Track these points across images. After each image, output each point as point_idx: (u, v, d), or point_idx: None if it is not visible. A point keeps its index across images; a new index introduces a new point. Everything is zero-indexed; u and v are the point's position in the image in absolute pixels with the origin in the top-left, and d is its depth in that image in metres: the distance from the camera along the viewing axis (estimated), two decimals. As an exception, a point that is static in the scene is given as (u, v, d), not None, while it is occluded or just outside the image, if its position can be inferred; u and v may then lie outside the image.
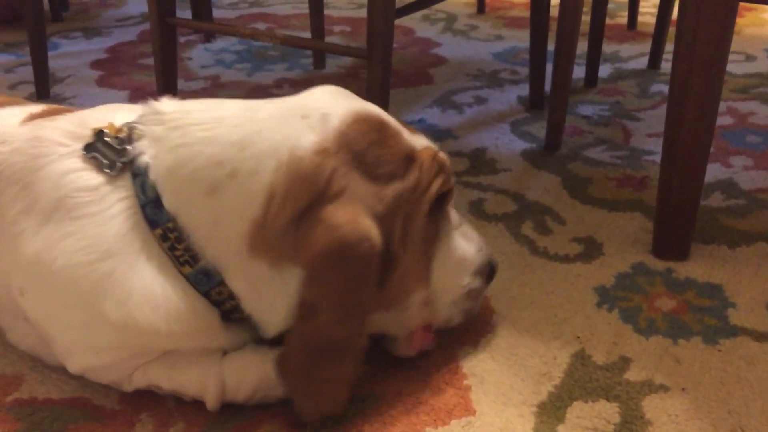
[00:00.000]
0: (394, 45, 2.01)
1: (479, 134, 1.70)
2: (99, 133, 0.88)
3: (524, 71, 2.05)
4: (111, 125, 0.90)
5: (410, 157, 0.87)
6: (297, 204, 0.81)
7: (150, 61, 2.15)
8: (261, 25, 2.52)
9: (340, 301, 0.81)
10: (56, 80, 2.04)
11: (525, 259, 1.23)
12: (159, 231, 0.84)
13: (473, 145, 1.64)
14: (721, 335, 1.04)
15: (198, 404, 0.92)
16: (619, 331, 1.05)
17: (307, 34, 2.17)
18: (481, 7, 2.68)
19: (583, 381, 0.96)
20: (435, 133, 1.70)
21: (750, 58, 2.17)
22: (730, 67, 2.03)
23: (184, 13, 2.44)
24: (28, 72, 2.00)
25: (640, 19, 2.47)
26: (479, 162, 1.56)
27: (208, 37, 2.37)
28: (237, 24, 2.49)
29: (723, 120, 1.73)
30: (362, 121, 0.86)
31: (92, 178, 0.86)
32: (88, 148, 0.87)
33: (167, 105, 0.90)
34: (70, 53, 2.26)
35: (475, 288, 0.97)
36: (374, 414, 0.91)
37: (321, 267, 0.80)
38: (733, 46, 1.13)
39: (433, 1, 1.55)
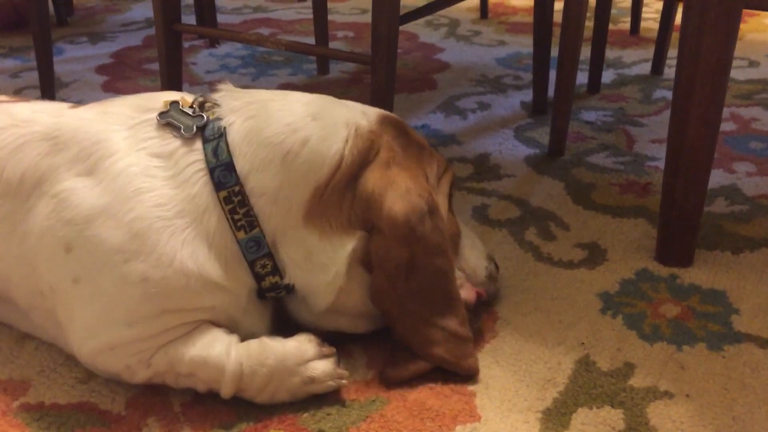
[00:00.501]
0: (398, 50, 2.02)
1: (483, 140, 1.70)
2: (173, 103, 0.96)
3: (527, 77, 2.06)
4: (183, 98, 0.98)
5: (425, 147, 1.01)
6: (353, 171, 0.93)
7: (155, 65, 2.16)
8: (265, 31, 2.53)
9: (435, 251, 0.93)
10: (61, 85, 2.05)
11: (529, 264, 1.23)
12: (224, 193, 0.90)
13: (477, 151, 1.64)
14: (726, 341, 1.04)
15: (204, 409, 0.92)
16: (624, 337, 1.05)
17: (311, 40, 2.18)
18: (484, 13, 2.69)
19: (587, 387, 0.96)
20: (439, 139, 1.70)
21: (753, 63, 2.17)
22: (733, 73, 2.03)
23: (189, 18, 2.45)
24: (33, 77, 2.01)
25: (642, 24, 2.48)
26: (483, 168, 1.57)
27: (213, 42, 2.38)
28: (241, 30, 2.50)
29: (726, 126, 1.73)
30: (389, 117, 1.01)
31: (167, 143, 0.92)
32: (163, 114, 0.94)
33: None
34: (75, 58, 2.27)
35: (492, 270, 1.08)
36: (379, 419, 0.91)
37: (408, 227, 0.91)
38: (736, 52, 1.13)
39: (437, 8, 1.56)
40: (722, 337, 1.05)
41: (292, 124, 0.93)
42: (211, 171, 0.91)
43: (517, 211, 1.40)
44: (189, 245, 0.89)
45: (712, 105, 1.13)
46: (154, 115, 0.94)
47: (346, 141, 0.94)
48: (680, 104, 1.15)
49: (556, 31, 1.76)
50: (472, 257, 1.06)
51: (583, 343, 1.04)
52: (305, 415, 0.92)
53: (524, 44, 2.34)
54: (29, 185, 0.93)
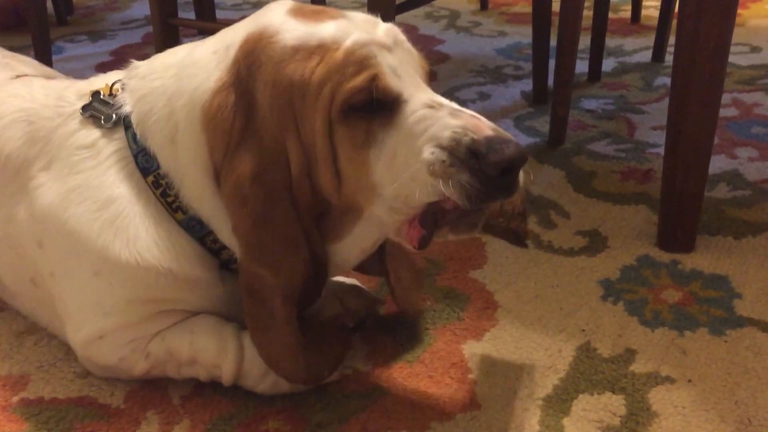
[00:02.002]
0: (397, 42, 2.01)
1: (483, 130, 1.69)
2: (95, 94, 0.93)
3: (528, 66, 2.05)
4: (107, 86, 0.94)
5: (299, 58, 0.79)
6: (220, 149, 0.83)
7: (154, 62, 2.15)
8: (264, 26, 2.52)
9: (251, 236, 0.82)
10: (61, 83, 2.05)
11: (529, 253, 1.22)
12: (151, 178, 0.88)
13: (477, 141, 1.63)
14: (728, 326, 1.03)
15: (203, 401, 0.92)
16: (625, 324, 1.04)
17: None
18: (484, 4, 2.68)
19: (588, 374, 0.95)
20: (438, 130, 1.70)
21: (755, 49, 2.16)
22: (735, 59, 2.02)
23: (189, 14, 2.44)
24: (33, 76, 2.01)
25: (643, 12, 2.46)
26: (483, 157, 1.56)
27: (212, 38, 2.38)
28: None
29: (728, 111, 1.72)
30: (251, 41, 0.83)
31: (89, 134, 0.90)
32: (85, 108, 0.92)
33: (148, 60, 0.94)
34: (75, 56, 2.27)
35: (441, 161, 0.75)
36: (379, 409, 0.90)
37: (231, 210, 0.82)
38: (738, 38, 1.13)
39: (433, -2, 1.55)
40: (724, 322, 1.04)
41: (166, 106, 0.87)
42: (135, 157, 0.89)
43: (517, 200, 1.39)
44: (131, 237, 0.87)
45: (711, 88, 1.12)
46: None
47: (193, 121, 0.85)
48: (679, 88, 1.14)
49: (556, 21, 1.75)
50: (407, 164, 0.78)
51: (584, 330, 1.03)
52: (305, 406, 0.91)
53: (524, 34, 2.33)
54: (14, 169, 0.95)
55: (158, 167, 0.87)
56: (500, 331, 1.04)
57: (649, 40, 2.19)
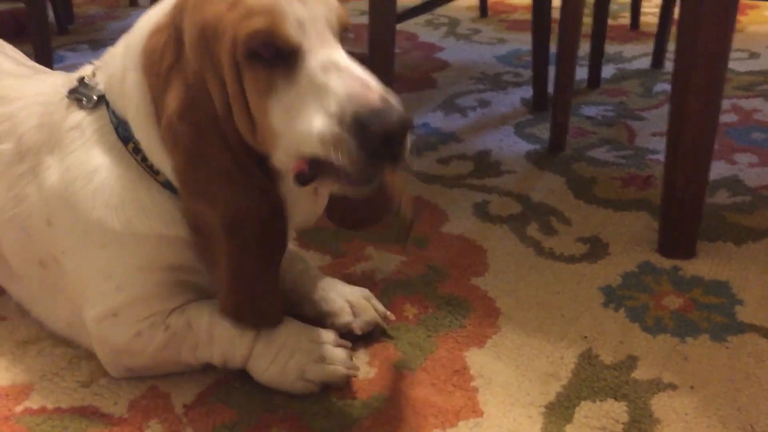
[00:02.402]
0: (398, 50, 2.02)
1: (483, 137, 1.70)
2: (80, 79, 0.97)
3: (527, 73, 2.05)
4: (92, 71, 0.98)
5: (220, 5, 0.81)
6: (155, 89, 0.86)
7: (155, 71, 2.16)
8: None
9: (186, 172, 0.85)
10: (62, 92, 2.05)
11: (531, 260, 1.23)
12: (131, 145, 0.91)
13: (477, 148, 1.64)
14: (729, 332, 1.03)
15: (206, 410, 0.92)
16: (626, 330, 1.05)
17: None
18: (483, 11, 2.69)
19: (590, 380, 0.95)
20: (439, 137, 1.70)
21: (753, 55, 2.16)
22: (734, 65, 2.02)
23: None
24: (34, 85, 2.02)
25: (642, 19, 2.47)
26: (483, 164, 1.57)
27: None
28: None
29: (727, 117, 1.73)
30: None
31: (76, 116, 0.95)
32: (71, 92, 0.96)
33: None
34: (76, 65, 2.27)
35: (330, 137, 0.77)
36: (382, 416, 0.91)
37: (167, 149, 0.86)
38: (737, 44, 1.14)
39: (434, 6, 1.56)
40: (726, 328, 1.04)
41: (120, 66, 0.90)
42: (116, 129, 0.92)
43: (518, 207, 1.39)
44: (118, 205, 0.90)
45: (710, 95, 1.13)
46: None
47: (136, 67, 0.88)
48: (679, 95, 1.15)
49: (555, 28, 1.76)
50: (301, 127, 0.80)
51: (585, 337, 1.03)
52: (308, 413, 0.91)
53: (524, 41, 2.33)
54: (25, 150, 0.99)
55: (134, 135, 0.91)
56: (502, 338, 1.04)
57: (648, 46, 2.20)
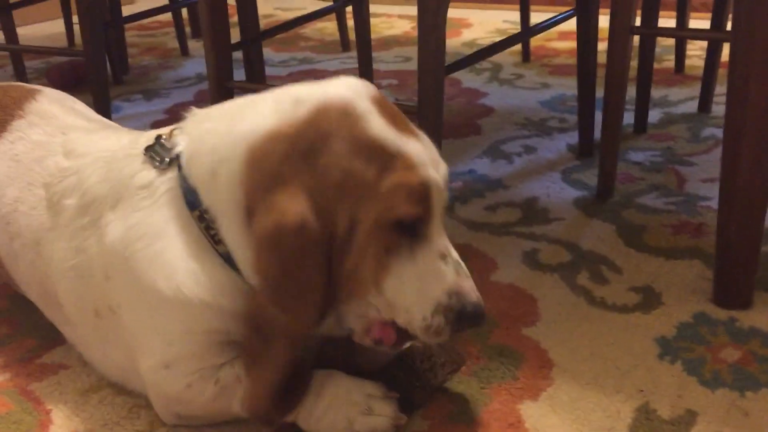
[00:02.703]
0: (443, 97, 2.04)
1: (530, 183, 1.71)
2: (157, 137, 1.00)
3: (572, 119, 2.06)
4: (170, 131, 1.00)
5: (376, 154, 0.85)
6: (259, 191, 0.86)
7: (206, 120, 2.22)
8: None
9: (278, 281, 0.85)
10: (118, 141, 2.12)
11: (582, 309, 1.22)
12: (196, 213, 0.93)
13: (524, 195, 1.65)
14: (791, 387, 1.01)
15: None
16: (684, 384, 1.03)
17: (357, 89, 2.22)
18: (526, 56, 2.72)
19: (648, 436, 0.94)
20: (486, 184, 1.71)
21: (804, 97, 2.14)
22: (784, 108, 2.00)
23: (239, 71, 2.52)
24: (92, 135, 2.09)
25: (687, 62, 2.46)
26: (531, 212, 1.57)
27: (261, 94, 2.45)
28: (289, 82, 2.56)
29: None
30: (331, 109, 0.87)
31: (147, 175, 0.97)
32: (147, 149, 0.99)
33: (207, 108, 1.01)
34: (132, 115, 2.36)
35: (436, 325, 0.89)
36: (437, 471, 0.91)
37: (262, 249, 0.85)
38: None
39: (482, 56, 1.58)
40: (787, 382, 1.02)
41: (213, 145, 0.92)
42: (184, 195, 0.94)
43: (567, 255, 1.39)
44: (170, 271, 0.92)
45: (763, 146, 1.12)
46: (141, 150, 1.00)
47: (239, 159, 0.89)
48: (731, 142, 1.14)
49: (600, 72, 1.77)
50: (410, 301, 0.89)
51: (642, 390, 1.02)
52: (363, 466, 0.92)
53: (568, 86, 2.35)
54: (89, 203, 1.02)
55: (202, 202, 0.93)
56: (557, 390, 1.04)
57: (694, 90, 2.19)
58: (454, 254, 0.91)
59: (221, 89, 1.62)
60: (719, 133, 1.90)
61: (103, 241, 0.98)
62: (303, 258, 0.84)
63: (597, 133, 1.77)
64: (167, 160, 0.96)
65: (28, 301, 1.32)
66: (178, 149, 0.96)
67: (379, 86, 2.45)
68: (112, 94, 2.49)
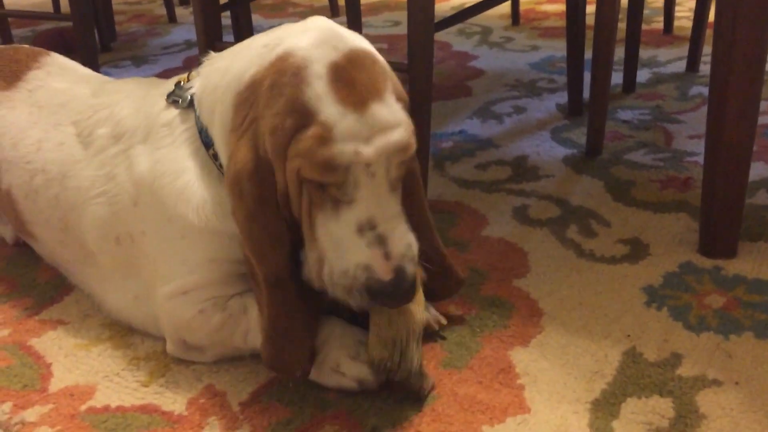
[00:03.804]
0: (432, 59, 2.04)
1: (520, 142, 1.72)
2: (177, 83, 1.07)
3: (561, 80, 2.07)
4: (188, 74, 1.07)
5: (301, 118, 0.85)
6: (235, 133, 0.92)
7: (196, 85, 2.22)
8: (300, 46, 2.58)
9: (245, 226, 0.91)
10: (108, 107, 2.12)
11: (571, 261, 1.25)
12: (212, 151, 0.99)
13: (514, 153, 1.66)
14: (773, 330, 1.04)
15: (261, 407, 0.96)
16: (669, 329, 1.06)
17: (347, 53, 2.22)
18: (515, 19, 2.71)
19: (635, 378, 0.97)
20: (477, 143, 1.73)
21: (791, 56, 2.15)
22: (771, 67, 2.02)
23: (227, 38, 2.51)
24: (82, 100, 2.09)
25: (676, 23, 2.47)
26: (521, 169, 1.59)
27: (251, 60, 2.45)
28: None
29: (766, 119, 1.72)
30: (287, 67, 0.88)
31: (169, 114, 1.04)
32: (169, 94, 1.06)
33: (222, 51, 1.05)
34: (120, 81, 2.35)
35: (346, 286, 0.89)
36: (431, 413, 0.93)
37: (231, 196, 0.91)
38: (773, 45, 1.14)
39: (469, 14, 1.59)
40: (770, 326, 1.05)
41: (214, 83, 0.97)
42: (200, 132, 1.00)
43: (557, 210, 1.41)
44: (199, 204, 0.98)
45: (749, 98, 1.14)
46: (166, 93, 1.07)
47: (224, 102, 0.95)
48: (717, 98, 1.16)
49: (589, 34, 1.78)
50: (331, 257, 0.89)
51: (629, 336, 1.05)
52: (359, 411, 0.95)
53: (557, 48, 2.35)
54: (121, 134, 1.09)
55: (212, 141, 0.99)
56: (546, 337, 1.06)
57: (683, 50, 2.20)
58: (383, 226, 0.88)
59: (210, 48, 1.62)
60: (707, 91, 1.91)
61: (133, 170, 1.04)
62: (261, 204, 0.89)
63: (586, 93, 1.78)
64: (188, 98, 1.02)
65: (25, 260, 1.34)
66: (191, 90, 1.02)
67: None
68: (100, 61, 2.47)
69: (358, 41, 0.92)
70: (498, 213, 1.42)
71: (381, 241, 0.87)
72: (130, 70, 2.46)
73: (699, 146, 1.62)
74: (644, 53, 2.20)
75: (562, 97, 1.95)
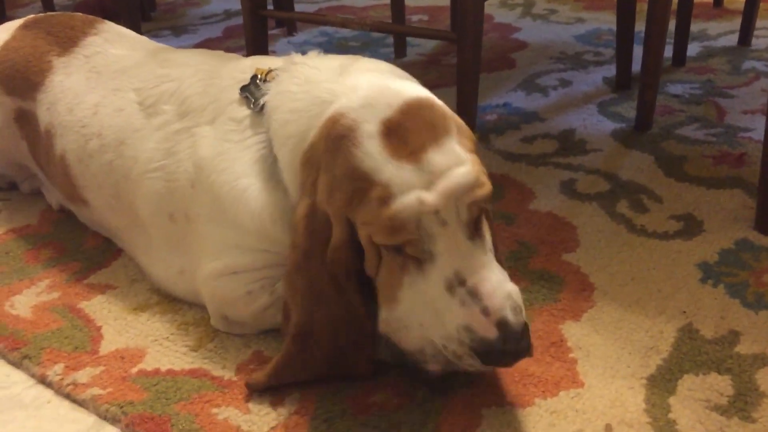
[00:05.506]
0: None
1: (566, 116, 1.69)
2: (254, 76, 1.03)
3: (608, 53, 2.02)
4: (265, 73, 1.03)
5: (357, 182, 0.83)
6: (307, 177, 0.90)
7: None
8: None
9: (289, 273, 0.91)
10: (149, 76, 2.12)
11: (622, 236, 1.22)
12: (279, 164, 0.96)
13: (561, 127, 1.63)
14: (835, 309, 1.01)
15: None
16: (726, 306, 1.03)
17: (388, 24, 2.19)
18: (559, -9, 2.65)
19: (692, 354, 0.95)
20: (522, 116, 1.70)
21: None
22: (828, 41, 1.95)
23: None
24: (123, 69, 2.09)
25: (726, -4, 2.40)
26: (568, 143, 1.56)
27: (290, 30, 2.43)
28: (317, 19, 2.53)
29: (823, 95, 1.67)
30: (342, 125, 0.86)
31: (240, 111, 1.01)
32: (243, 88, 1.02)
33: (304, 56, 1.03)
34: (160, 50, 2.35)
35: (454, 352, 0.84)
36: (483, 385, 0.92)
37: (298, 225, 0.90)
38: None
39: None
40: (832, 305, 1.02)
41: (294, 111, 0.95)
42: (270, 141, 0.98)
43: (606, 185, 1.38)
44: (256, 209, 0.97)
45: (816, 68, 1.09)
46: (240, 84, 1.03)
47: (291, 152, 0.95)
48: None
49: (639, 6, 1.73)
50: (427, 323, 0.85)
51: (684, 312, 1.03)
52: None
53: (603, 20, 2.30)
54: (187, 110, 1.07)
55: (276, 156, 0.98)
56: (598, 312, 1.04)
57: (734, 24, 2.13)
58: (472, 279, 0.82)
59: (255, 18, 1.61)
60: (760, 65, 1.87)
61: (196, 151, 1.03)
62: (308, 258, 0.88)
63: (635, 67, 1.74)
64: (261, 103, 0.99)
65: (71, 226, 1.35)
66: (266, 98, 0.99)
67: (409, 22, 2.42)
68: (141, 30, 2.48)
69: (411, 91, 0.88)
70: (545, 187, 1.39)
71: (473, 295, 0.81)
72: (170, 39, 2.46)
73: (753, 122, 1.57)
74: (694, 27, 2.14)
75: (609, 71, 1.90)
